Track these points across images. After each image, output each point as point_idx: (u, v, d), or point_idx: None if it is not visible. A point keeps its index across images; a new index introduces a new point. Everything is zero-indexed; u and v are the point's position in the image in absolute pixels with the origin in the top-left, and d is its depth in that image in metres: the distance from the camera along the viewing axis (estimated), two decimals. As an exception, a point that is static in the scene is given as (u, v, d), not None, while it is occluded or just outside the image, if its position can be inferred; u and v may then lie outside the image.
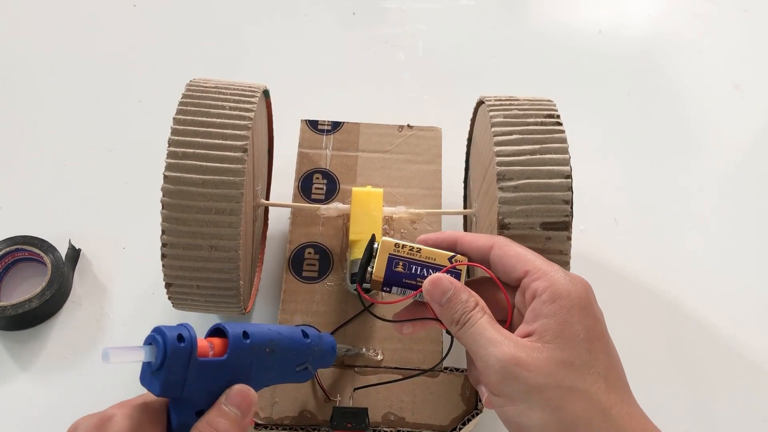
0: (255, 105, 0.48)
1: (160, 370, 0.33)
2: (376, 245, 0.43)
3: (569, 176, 0.45)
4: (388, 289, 0.42)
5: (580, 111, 0.69)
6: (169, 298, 0.48)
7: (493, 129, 0.47)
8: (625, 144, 0.75)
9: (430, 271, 0.41)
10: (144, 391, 0.35)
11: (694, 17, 0.88)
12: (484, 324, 0.38)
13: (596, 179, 0.69)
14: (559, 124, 0.47)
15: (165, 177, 0.45)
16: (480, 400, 0.49)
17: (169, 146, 0.45)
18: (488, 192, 0.49)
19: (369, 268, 0.42)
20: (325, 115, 0.63)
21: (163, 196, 0.45)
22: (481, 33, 0.84)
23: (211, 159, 0.45)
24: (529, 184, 0.45)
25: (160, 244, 0.45)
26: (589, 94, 0.79)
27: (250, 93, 0.49)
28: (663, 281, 0.65)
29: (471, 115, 0.59)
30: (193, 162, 0.45)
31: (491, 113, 0.48)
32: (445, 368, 0.50)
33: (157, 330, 0.34)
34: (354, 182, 0.59)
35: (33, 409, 0.55)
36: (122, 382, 0.50)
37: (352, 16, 0.85)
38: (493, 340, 0.37)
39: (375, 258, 0.42)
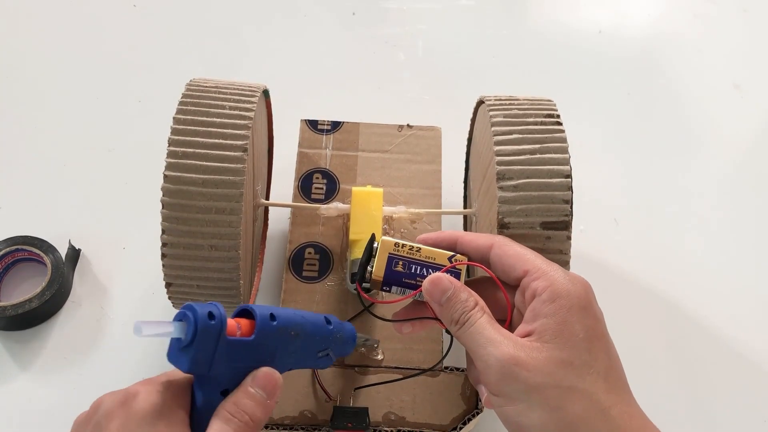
0: (255, 105, 0.48)
1: (190, 346, 0.33)
2: (375, 245, 0.43)
3: (569, 176, 0.45)
4: (387, 289, 0.42)
5: (580, 111, 0.69)
6: (169, 298, 0.48)
7: (493, 129, 0.47)
8: (625, 144, 0.75)
9: (430, 270, 0.41)
10: (169, 368, 0.34)
11: (694, 17, 0.88)
12: (483, 323, 0.38)
13: (596, 179, 0.69)
14: (559, 123, 0.47)
15: (165, 177, 0.45)
16: (480, 400, 0.49)
17: (169, 146, 0.45)
18: (488, 191, 0.49)
19: (369, 268, 0.42)
20: (325, 115, 0.63)
21: (163, 195, 0.45)
22: (481, 33, 0.85)
23: (211, 159, 0.45)
24: (529, 183, 0.45)
25: (160, 244, 0.45)
26: (589, 94, 0.79)
27: (250, 93, 0.49)
28: (663, 281, 0.65)
29: (471, 115, 0.59)
30: (193, 162, 0.45)
31: (491, 113, 0.48)
32: (446, 368, 0.50)
33: (188, 307, 0.33)
34: (354, 182, 0.59)
35: (33, 409, 0.55)
36: (123, 382, 0.49)
37: (352, 16, 0.85)
38: (493, 340, 0.37)
39: (375, 257, 0.42)
